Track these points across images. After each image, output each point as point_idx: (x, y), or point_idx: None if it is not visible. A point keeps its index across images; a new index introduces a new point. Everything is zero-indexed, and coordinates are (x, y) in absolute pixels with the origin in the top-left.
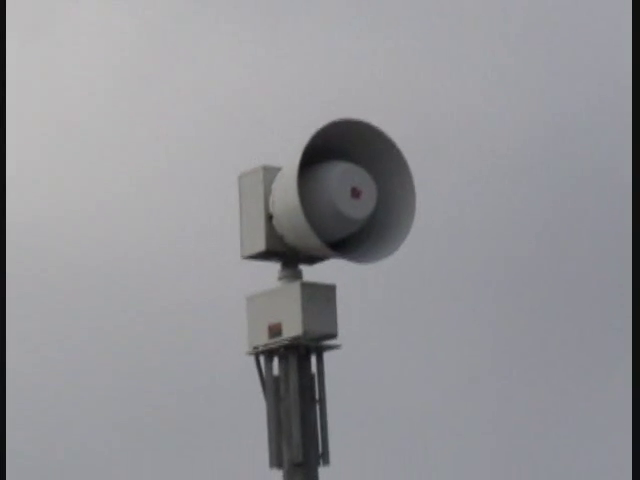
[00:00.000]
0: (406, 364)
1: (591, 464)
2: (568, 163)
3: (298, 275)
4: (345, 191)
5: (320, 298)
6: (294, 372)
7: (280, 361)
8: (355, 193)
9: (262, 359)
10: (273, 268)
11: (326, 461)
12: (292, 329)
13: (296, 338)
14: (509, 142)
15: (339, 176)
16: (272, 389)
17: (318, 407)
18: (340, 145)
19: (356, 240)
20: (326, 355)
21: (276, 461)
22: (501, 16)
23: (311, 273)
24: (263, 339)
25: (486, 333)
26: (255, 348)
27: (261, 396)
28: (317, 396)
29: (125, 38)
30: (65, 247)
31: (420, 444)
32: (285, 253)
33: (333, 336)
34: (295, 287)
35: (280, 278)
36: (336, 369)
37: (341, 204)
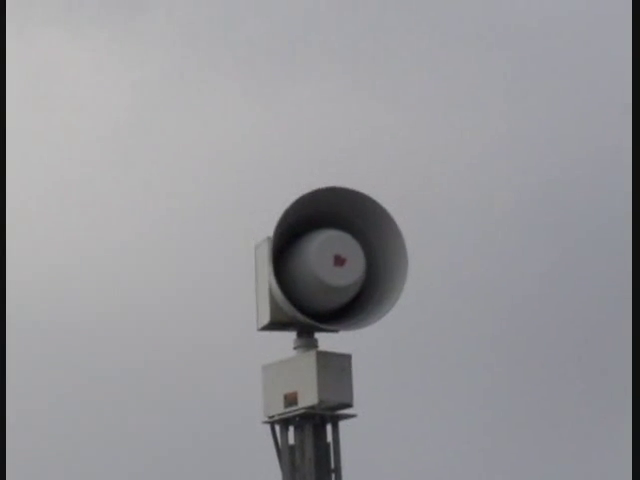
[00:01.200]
0: (422, 433)
1: None
2: (566, 220)
3: (314, 344)
4: (327, 259)
5: (335, 367)
6: (310, 441)
7: (296, 430)
8: (339, 261)
9: (278, 428)
10: (290, 337)
11: None
12: (308, 398)
13: (312, 407)
14: (504, 203)
15: (319, 245)
16: (288, 458)
17: (334, 476)
18: (331, 213)
19: (356, 307)
20: (342, 424)
21: None
22: (495, 70)
23: (327, 341)
24: (279, 408)
25: (499, 395)
26: (271, 417)
27: (277, 465)
28: (333, 465)
29: (122, 101)
30: (77, 312)
31: None
32: (291, 323)
33: (349, 405)
34: (310, 356)
35: (295, 347)
36: (352, 438)
37: (322, 273)
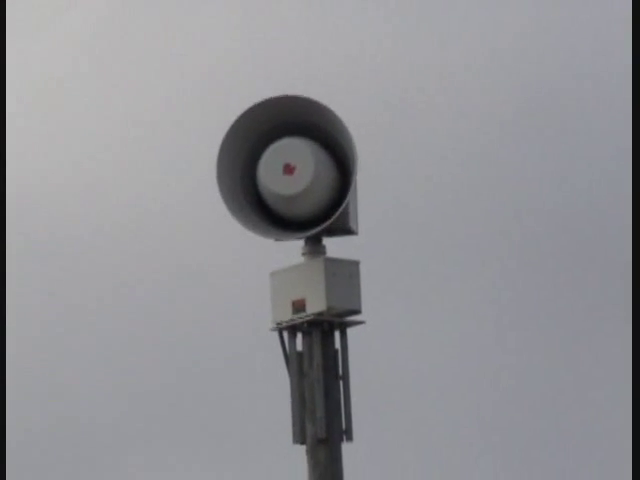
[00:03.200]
0: (430, 340)
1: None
2: (567, 129)
3: (322, 251)
4: (277, 169)
5: (344, 274)
6: (318, 348)
7: (304, 337)
8: (288, 169)
9: (286, 335)
10: (298, 244)
11: (349, 437)
12: (316, 305)
13: (320, 314)
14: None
15: (269, 155)
16: (295, 365)
17: (341, 383)
18: (296, 122)
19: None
20: (350, 331)
21: (299, 437)
22: None
23: (336, 248)
24: (287, 315)
25: (513, 297)
26: (279, 324)
27: (285, 372)
28: (340, 372)
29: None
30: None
31: (444, 420)
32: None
33: (357, 312)
34: (319, 263)
35: (304, 254)
36: (360, 345)
37: (271, 182)
